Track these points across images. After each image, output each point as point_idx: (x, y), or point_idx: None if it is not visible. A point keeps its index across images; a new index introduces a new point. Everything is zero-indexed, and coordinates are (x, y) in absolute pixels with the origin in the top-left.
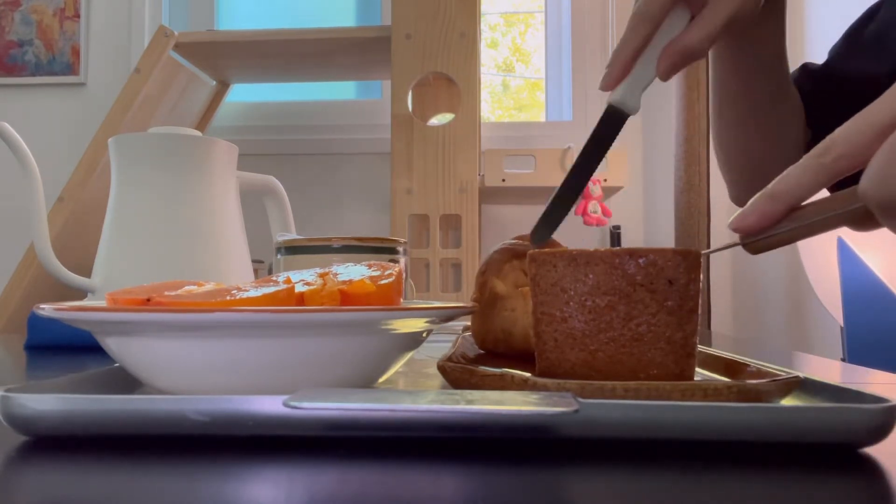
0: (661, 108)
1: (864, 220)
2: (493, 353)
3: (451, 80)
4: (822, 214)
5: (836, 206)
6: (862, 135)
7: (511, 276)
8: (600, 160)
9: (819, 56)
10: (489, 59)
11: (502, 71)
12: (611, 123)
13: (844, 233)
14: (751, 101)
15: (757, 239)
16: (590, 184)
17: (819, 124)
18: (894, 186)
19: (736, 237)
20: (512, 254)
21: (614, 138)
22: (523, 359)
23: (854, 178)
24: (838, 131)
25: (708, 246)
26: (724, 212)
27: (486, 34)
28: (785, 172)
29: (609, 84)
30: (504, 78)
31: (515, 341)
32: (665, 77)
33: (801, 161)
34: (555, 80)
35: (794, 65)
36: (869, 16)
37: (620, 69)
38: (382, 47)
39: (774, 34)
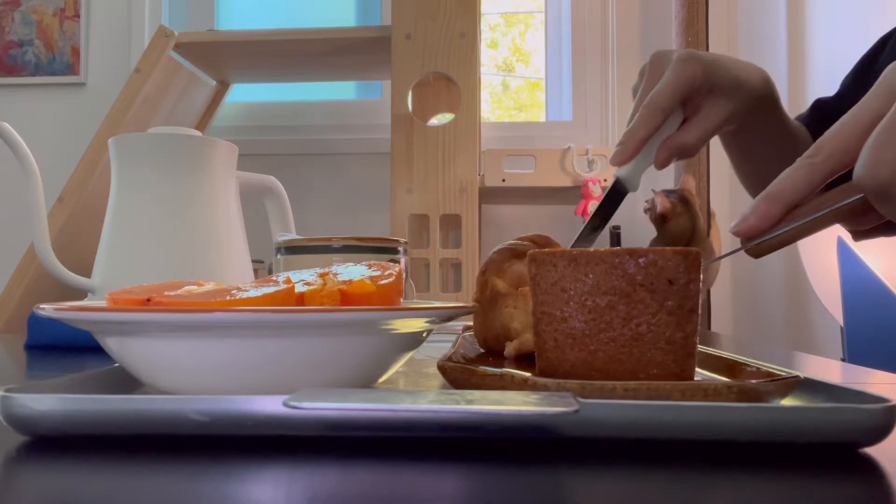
0: None
1: (860, 214)
2: (497, 352)
3: (451, 80)
4: (819, 211)
5: (831, 202)
6: (849, 133)
7: (511, 275)
8: (605, 226)
9: (819, 57)
10: (489, 59)
11: (502, 71)
12: (615, 196)
13: (845, 233)
14: (761, 165)
15: (758, 242)
16: (590, 183)
17: None
18: (885, 169)
19: (737, 243)
20: (512, 254)
21: (615, 210)
22: (523, 357)
23: (848, 178)
24: (827, 133)
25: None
26: (724, 212)
27: (486, 34)
28: (780, 175)
29: (621, 161)
30: (504, 78)
31: (512, 337)
32: (660, 167)
33: (794, 163)
34: (555, 80)
35: (796, 64)
36: (879, 46)
37: (632, 150)
38: (382, 47)
39: (770, 122)
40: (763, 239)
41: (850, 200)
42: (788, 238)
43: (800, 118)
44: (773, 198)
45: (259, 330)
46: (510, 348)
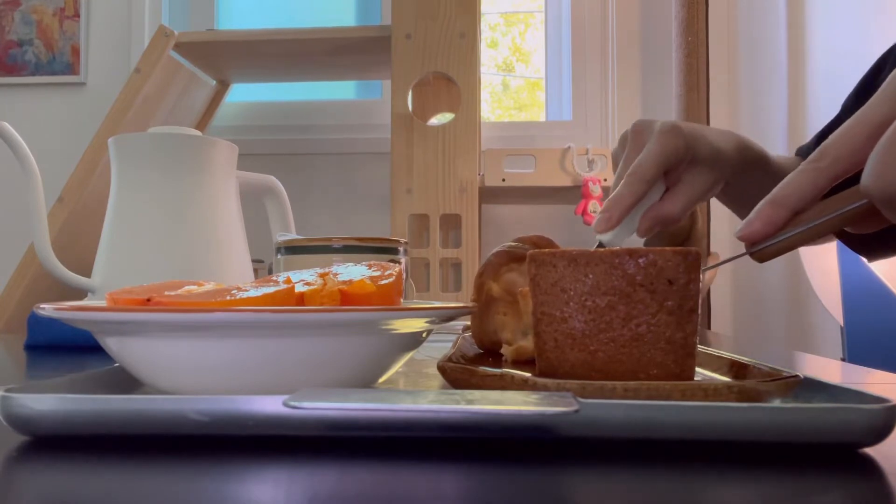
0: (660, 109)
1: (866, 218)
2: (496, 353)
3: (451, 80)
4: (825, 216)
5: (837, 207)
6: (854, 137)
7: (505, 280)
8: None
9: (819, 57)
10: (489, 59)
11: (502, 71)
12: None
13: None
14: None
15: (763, 247)
16: (590, 183)
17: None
18: (891, 179)
19: (738, 245)
20: (509, 257)
21: None
22: (522, 359)
23: (853, 182)
24: (832, 136)
25: (708, 246)
26: (724, 212)
27: (486, 34)
28: (785, 179)
29: (606, 228)
30: (504, 78)
31: (499, 345)
32: (643, 234)
33: (799, 167)
34: (555, 80)
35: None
36: (880, 66)
37: (618, 219)
38: (382, 47)
39: (759, 178)
40: (768, 244)
41: (856, 206)
42: (793, 243)
43: (801, 151)
44: (777, 203)
45: (259, 330)
46: (507, 354)
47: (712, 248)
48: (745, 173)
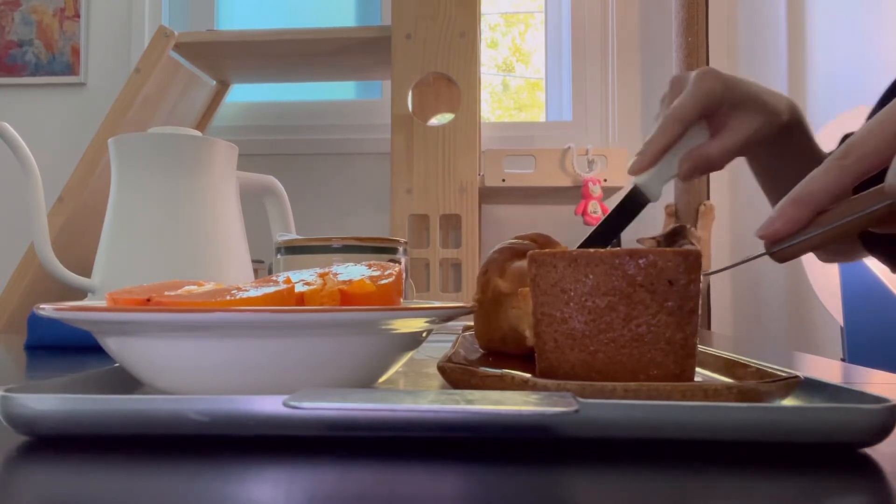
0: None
1: (889, 219)
2: (496, 352)
3: (451, 80)
4: (848, 216)
5: (861, 207)
6: (881, 134)
7: (512, 273)
8: (619, 232)
9: (820, 57)
10: (489, 59)
11: (502, 71)
12: (633, 203)
13: None
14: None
15: (784, 247)
16: (589, 183)
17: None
18: None
19: (760, 246)
20: (512, 253)
21: (633, 218)
22: (530, 356)
23: (876, 180)
24: (857, 134)
25: (708, 246)
26: (724, 212)
27: (486, 34)
28: (808, 177)
29: (638, 170)
30: (504, 78)
31: (522, 338)
32: (685, 178)
33: (822, 165)
34: (555, 80)
35: (796, 64)
36: None
37: (650, 159)
38: (382, 47)
39: (798, 145)
40: (789, 244)
41: (880, 206)
42: (815, 243)
43: (846, 139)
44: (800, 201)
45: (259, 330)
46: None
47: (713, 255)
48: (790, 138)
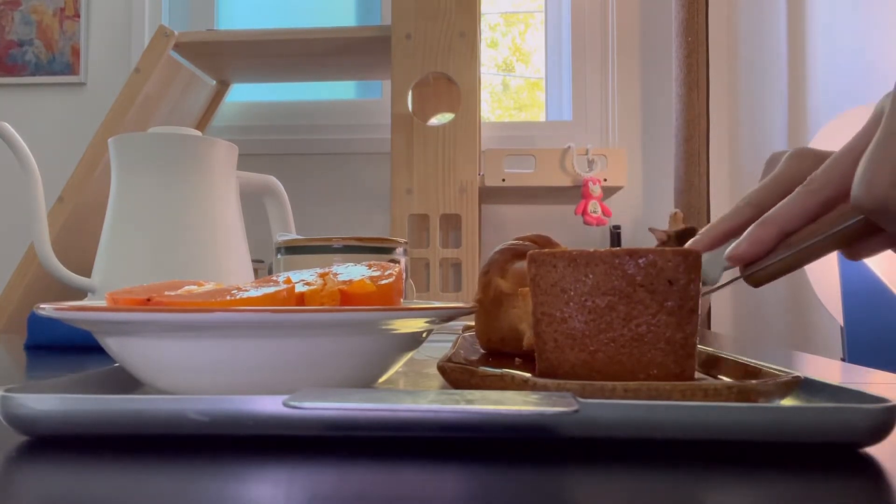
0: (660, 109)
1: (860, 239)
2: (498, 353)
3: (451, 80)
4: (816, 237)
5: (830, 225)
6: (844, 161)
7: (514, 274)
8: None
9: (820, 58)
10: (489, 59)
11: (502, 71)
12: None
13: None
14: None
15: (756, 270)
16: (590, 183)
17: None
18: (881, 185)
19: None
20: (513, 253)
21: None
22: (531, 357)
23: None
24: (823, 164)
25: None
26: (723, 212)
27: (486, 34)
28: (777, 205)
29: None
30: (504, 78)
31: (523, 337)
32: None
33: (791, 193)
34: (555, 80)
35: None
36: None
37: (709, 242)
38: (382, 47)
39: None
40: (760, 267)
41: (849, 224)
42: (787, 266)
43: None
44: (766, 222)
45: (259, 330)
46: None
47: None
48: None
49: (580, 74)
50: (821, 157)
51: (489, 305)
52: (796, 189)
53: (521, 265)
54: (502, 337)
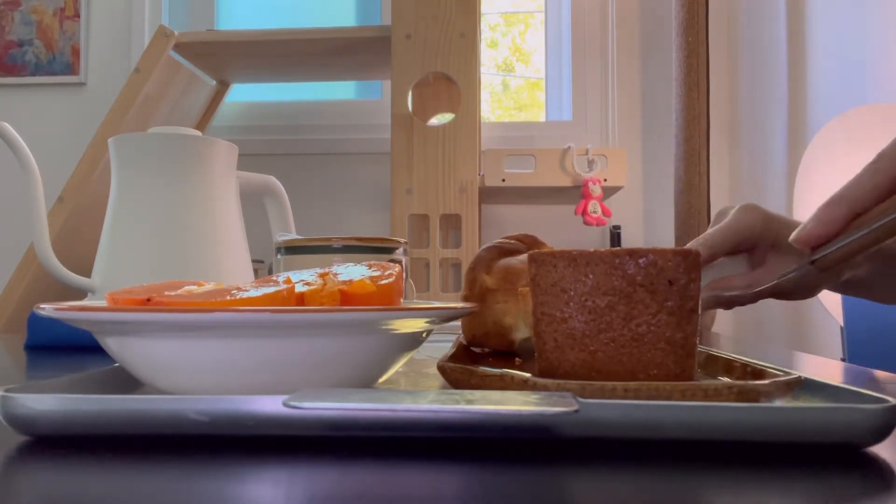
0: (660, 109)
1: None
2: (494, 351)
3: (451, 80)
4: (887, 217)
5: None
6: None
7: (498, 270)
8: None
9: (820, 58)
10: (489, 59)
11: (502, 71)
12: None
13: None
14: None
15: (825, 253)
16: (589, 183)
17: None
18: None
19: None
20: (499, 251)
21: None
22: (513, 352)
23: None
24: (889, 144)
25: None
26: None
27: (486, 34)
28: (845, 184)
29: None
30: (504, 78)
31: (506, 332)
32: (704, 308)
33: (857, 172)
34: (555, 80)
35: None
36: None
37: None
38: (382, 47)
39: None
40: (830, 249)
41: None
42: (858, 247)
43: None
44: (834, 202)
45: (259, 330)
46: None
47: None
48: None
49: (580, 74)
50: (768, 215)
51: (474, 301)
52: (864, 167)
53: (506, 262)
54: (486, 332)
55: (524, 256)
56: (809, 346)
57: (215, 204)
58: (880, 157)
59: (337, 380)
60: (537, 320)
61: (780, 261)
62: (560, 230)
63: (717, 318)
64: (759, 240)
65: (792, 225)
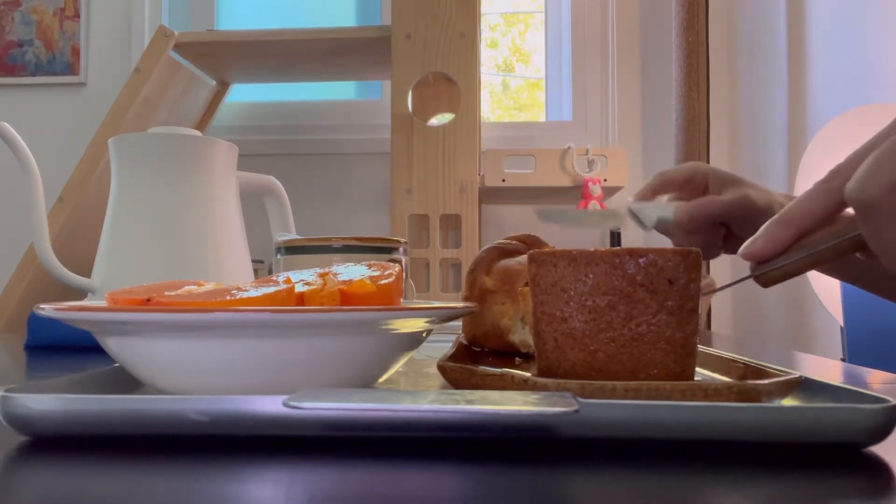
0: (660, 109)
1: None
2: (494, 351)
3: (451, 80)
4: (831, 240)
5: (843, 230)
6: (861, 159)
7: (497, 272)
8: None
9: (820, 57)
10: (489, 59)
11: (502, 71)
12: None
13: None
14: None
15: (768, 269)
16: (589, 183)
17: None
18: (875, 188)
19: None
20: (499, 252)
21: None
22: (513, 353)
23: None
24: (845, 158)
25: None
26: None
27: (486, 34)
28: (795, 200)
29: (635, 198)
30: (504, 78)
31: (503, 333)
32: (645, 196)
33: (809, 188)
34: (555, 80)
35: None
36: None
37: (643, 194)
38: (382, 47)
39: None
40: (773, 266)
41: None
42: (800, 267)
43: None
44: (784, 222)
45: (259, 330)
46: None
47: (711, 274)
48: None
49: (580, 74)
50: (713, 167)
51: (475, 302)
52: (815, 184)
53: (506, 263)
54: (485, 332)
55: (523, 258)
56: (809, 346)
57: (215, 204)
58: (834, 174)
59: (337, 380)
60: (537, 320)
61: (730, 191)
62: (560, 230)
63: (716, 319)
64: (705, 178)
65: (741, 178)
